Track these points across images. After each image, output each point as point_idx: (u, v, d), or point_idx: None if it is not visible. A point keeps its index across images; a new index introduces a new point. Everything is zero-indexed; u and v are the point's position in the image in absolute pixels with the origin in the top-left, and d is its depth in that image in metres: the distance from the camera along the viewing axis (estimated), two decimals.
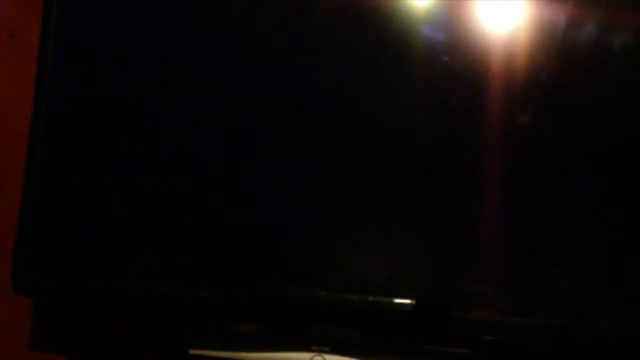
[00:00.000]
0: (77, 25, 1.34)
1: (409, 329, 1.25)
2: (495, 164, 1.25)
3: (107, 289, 1.32)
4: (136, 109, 1.32)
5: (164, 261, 1.30)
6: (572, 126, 1.23)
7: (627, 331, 1.21)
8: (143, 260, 1.31)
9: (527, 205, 1.24)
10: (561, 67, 1.23)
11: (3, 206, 1.43)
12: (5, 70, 1.48)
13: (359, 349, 1.23)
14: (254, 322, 1.29)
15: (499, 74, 1.24)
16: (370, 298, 1.25)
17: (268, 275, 1.27)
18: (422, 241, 1.27)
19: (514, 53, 1.24)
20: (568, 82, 1.23)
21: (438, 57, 1.25)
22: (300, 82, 1.29)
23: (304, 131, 1.29)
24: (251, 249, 1.28)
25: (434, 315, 1.23)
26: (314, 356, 1.22)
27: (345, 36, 1.28)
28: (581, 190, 1.23)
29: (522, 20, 1.24)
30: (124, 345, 1.43)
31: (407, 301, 1.23)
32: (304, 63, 1.29)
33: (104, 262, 1.32)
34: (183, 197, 1.30)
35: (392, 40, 1.26)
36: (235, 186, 1.30)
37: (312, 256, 1.27)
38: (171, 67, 1.33)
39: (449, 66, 1.25)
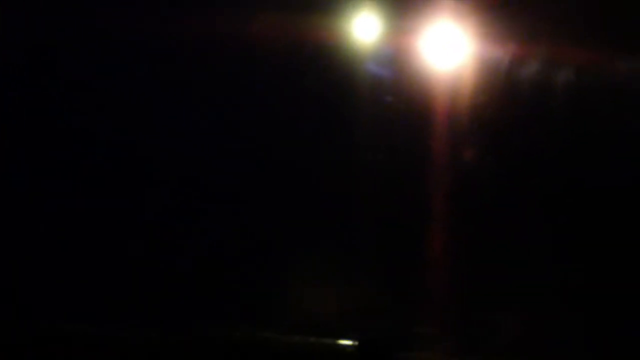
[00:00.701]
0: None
1: None
2: (440, 204, 1.26)
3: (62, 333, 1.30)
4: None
5: (104, 303, 1.29)
6: (516, 165, 1.25)
7: None
8: (79, 302, 1.29)
9: (472, 245, 1.24)
10: (503, 106, 1.25)
11: None
12: None
13: None
14: None
15: (442, 114, 1.25)
16: (313, 339, 1.23)
17: (210, 317, 1.26)
18: (365, 283, 1.27)
19: (457, 93, 1.26)
20: (510, 120, 1.25)
21: (382, 97, 1.28)
22: (246, 120, 1.31)
23: (245, 169, 1.29)
24: (193, 291, 1.27)
25: (377, 356, 1.21)
26: None
27: (289, 76, 1.30)
28: (526, 231, 1.24)
29: (464, 61, 1.27)
30: None
31: (350, 342, 1.22)
32: (251, 103, 1.31)
33: (43, 304, 1.31)
34: (122, 240, 1.30)
35: (337, 81, 1.28)
36: (177, 226, 1.30)
37: (255, 297, 1.27)
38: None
39: (393, 106, 1.28)
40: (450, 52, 1.26)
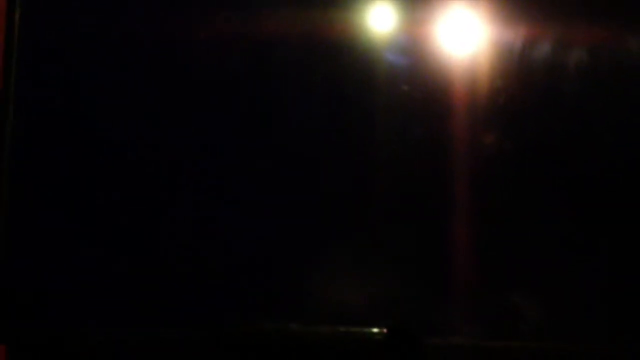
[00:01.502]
0: (41, 27, 1.32)
1: (383, 358, 1.24)
2: (462, 192, 1.26)
3: (79, 337, 1.31)
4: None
5: (134, 306, 1.29)
6: (536, 151, 1.24)
7: (603, 352, 1.21)
8: (115, 306, 1.30)
9: (496, 231, 1.24)
10: (522, 92, 1.24)
11: None
12: None
13: None
14: (224, 358, 1.27)
15: (459, 102, 1.25)
16: (342, 329, 1.24)
17: (236, 311, 1.26)
18: (391, 270, 1.26)
19: (473, 80, 1.25)
20: (529, 106, 1.25)
21: (398, 85, 1.27)
22: (263, 114, 1.29)
23: (269, 164, 1.28)
24: (215, 283, 1.27)
25: (407, 343, 1.22)
26: None
27: (303, 66, 1.28)
28: (548, 215, 1.24)
29: (479, 47, 1.26)
30: None
31: (379, 330, 1.23)
32: (266, 95, 1.29)
33: (74, 309, 1.30)
34: (149, 241, 1.29)
35: (351, 70, 1.27)
36: (201, 221, 1.29)
37: (281, 289, 1.26)
38: (143, 75, 1.31)
39: (409, 94, 1.26)
40: (465, 39, 1.25)
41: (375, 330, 1.23)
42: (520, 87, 1.24)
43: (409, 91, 1.26)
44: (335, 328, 1.24)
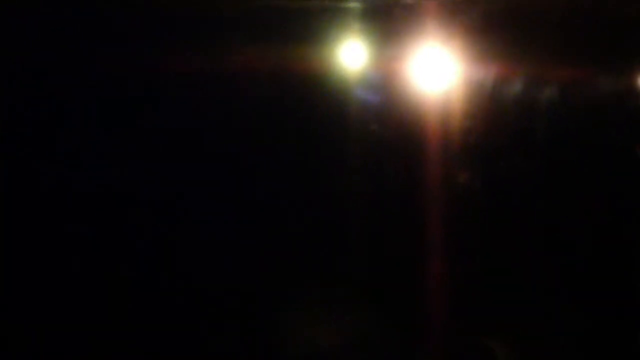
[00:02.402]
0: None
1: None
2: (433, 230, 1.25)
3: None
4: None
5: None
6: (507, 188, 1.25)
7: None
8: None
9: (470, 272, 1.24)
10: (493, 129, 1.25)
11: None
12: None
13: None
14: None
15: (430, 139, 1.24)
16: None
17: (206, 353, 1.23)
18: (362, 314, 1.24)
19: (445, 117, 1.25)
20: (498, 143, 1.25)
21: (368, 125, 1.26)
22: (232, 150, 1.27)
23: (241, 211, 1.26)
24: (185, 329, 1.23)
25: None
26: None
27: (276, 105, 1.27)
28: (524, 255, 1.24)
29: (451, 85, 1.26)
30: None
31: None
32: (238, 133, 1.27)
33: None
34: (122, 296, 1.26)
35: (325, 109, 1.26)
36: (176, 268, 1.26)
37: (251, 333, 1.24)
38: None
39: (379, 134, 1.26)
40: (437, 76, 1.25)
41: None
42: (492, 125, 1.25)
43: (379, 130, 1.26)
44: None
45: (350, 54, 1.25)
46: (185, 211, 1.25)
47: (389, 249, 1.25)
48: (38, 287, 1.23)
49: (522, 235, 1.25)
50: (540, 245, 1.24)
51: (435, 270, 1.24)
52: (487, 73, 1.24)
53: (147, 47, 1.25)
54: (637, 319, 1.21)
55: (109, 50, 1.24)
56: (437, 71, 1.24)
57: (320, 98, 1.25)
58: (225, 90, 1.26)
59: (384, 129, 1.26)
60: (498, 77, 1.24)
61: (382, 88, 1.26)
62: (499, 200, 1.25)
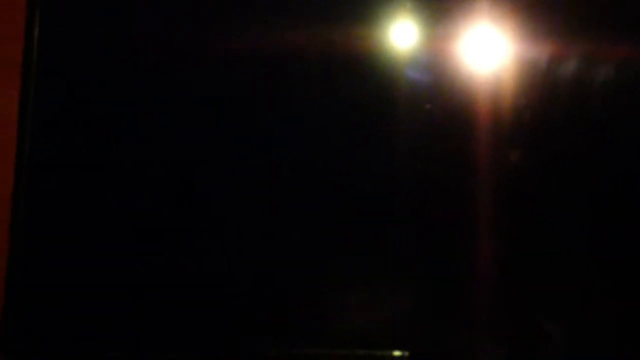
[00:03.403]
0: (59, 38, 1.30)
1: None
2: (485, 209, 1.23)
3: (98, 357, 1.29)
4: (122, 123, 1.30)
5: (148, 330, 1.26)
6: (560, 165, 1.21)
7: None
8: (132, 327, 1.28)
9: (519, 254, 1.21)
10: (544, 106, 1.22)
11: None
12: None
13: None
14: None
15: (483, 118, 1.23)
16: (362, 352, 1.21)
17: (251, 335, 1.23)
18: (414, 292, 1.23)
19: (496, 96, 1.22)
20: (552, 121, 1.22)
21: (421, 104, 1.24)
22: (286, 130, 1.27)
23: (289, 182, 1.26)
24: (232, 310, 1.23)
25: None
26: None
27: (328, 85, 1.26)
28: (574, 233, 1.21)
29: (503, 62, 1.23)
30: None
31: (401, 353, 1.19)
32: (290, 112, 1.27)
33: (93, 328, 1.28)
34: (166, 263, 1.27)
35: (376, 88, 1.25)
36: (216, 244, 1.26)
37: (298, 311, 1.23)
38: (159, 82, 1.28)
39: (433, 113, 1.24)
40: (488, 55, 1.22)
41: (396, 353, 1.19)
42: (546, 104, 1.21)
43: (431, 109, 1.24)
44: (354, 351, 1.20)
45: (402, 33, 1.23)
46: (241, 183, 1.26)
47: (441, 229, 1.23)
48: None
49: (576, 213, 1.20)
50: (596, 224, 1.19)
51: (488, 249, 1.22)
52: (540, 51, 1.20)
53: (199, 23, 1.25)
54: None
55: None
56: (490, 49, 1.21)
57: (371, 77, 1.24)
58: (278, 71, 1.25)
59: (437, 108, 1.23)
60: (552, 55, 1.19)
61: (434, 67, 1.23)
62: (552, 179, 1.20)
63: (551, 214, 1.20)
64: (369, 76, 1.24)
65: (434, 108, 1.24)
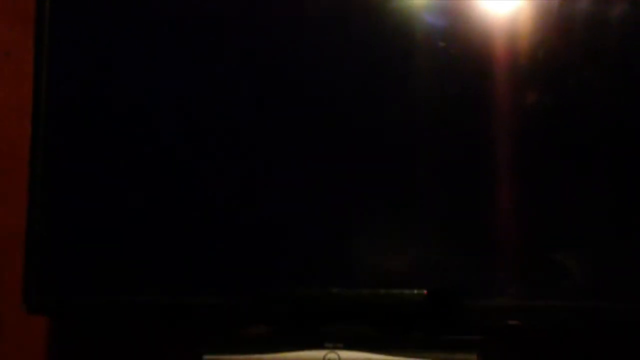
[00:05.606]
0: (69, 41, 1.35)
1: (423, 319, 1.23)
2: (503, 150, 1.23)
3: (120, 304, 1.32)
4: (132, 120, 1.33)
5: (175, 272, 1.29)
6: (578, 108, 1.22)
7: None
8: (155, 272, 1.30)
9: (537, 190, 1.22)
10: (561, 45, 1.21)
11: (15, 222, 1.42)
12: (2, 88, 1.50)
13: (373, 344, 1.21)
14: (266, 323, 1.28)
15: (498, 58, 1.22)
16: (382, 291, 1.23)
17: (277, 276, 1.26)
18: (431, 231, 1.25)
19: (512, 35, 1.23)
20: (569, 60, 1.22)
21: (435, 43, 1.24)
22: (300, 78, 1.29)
23: (307, 127, 1.28)
24: (258, 251, 1.27)
25: (447, 304, 1.21)
26: (328, 353, 1.20)
27: (342, 28, 1.28)
28: (589, 173, 1.22)
29: (518, 3, 1.23)
30: (140, 357, 1.43)
31: (419, 291, 1.22)
32: (303, 58, 1.29)
33: (115, 276, 1.31)
34: (187, 207, 1.29)
35: (390, 30, 1.26)
36: (239, 187, 1.29)
37: (320, 253, 1.26)
38: (169, 78, 1.32)
39: (447, 52, 1.24)
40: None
41: (415, 291, 1.22)
42: (562, 41, 1.21)
43: (446, 48, 1.24)
44: (375, 290, 1.23)
45: None
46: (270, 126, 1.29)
47: (457, 168, 1.24)
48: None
49: (594, 151, 1.21)
50: (615, 161, 1.20)
51: (506, 188, 1.23)
52: None
53: None
54: None
55: None
56: None
57: (386, 18, 1.25)
58: (296, 17, 1.28)
59: (451, 46, 1.24)
60: None
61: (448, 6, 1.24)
62: (570, 119, 1.21)
63: (569, 152, 1.21)
64: (385, 20, 1.26)
65: (447, 47, 1.24)
